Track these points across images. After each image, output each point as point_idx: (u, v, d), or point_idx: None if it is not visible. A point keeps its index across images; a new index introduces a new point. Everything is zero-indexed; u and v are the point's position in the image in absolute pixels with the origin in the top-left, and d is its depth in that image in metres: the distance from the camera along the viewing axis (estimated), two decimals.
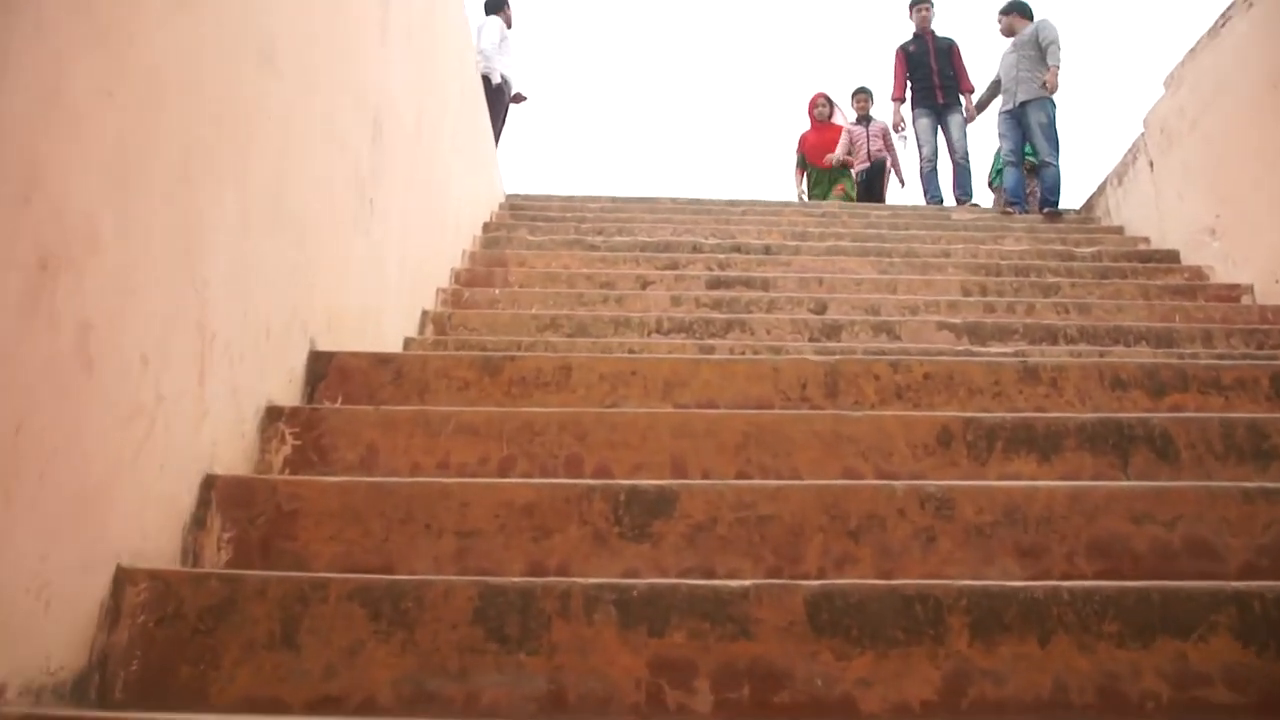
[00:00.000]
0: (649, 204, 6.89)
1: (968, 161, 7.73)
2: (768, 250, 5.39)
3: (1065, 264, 5.30)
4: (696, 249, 5.39)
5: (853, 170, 8.46)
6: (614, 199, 7.02)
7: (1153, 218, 5.94)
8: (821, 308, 4.32)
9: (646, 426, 2.08)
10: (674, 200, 7.03)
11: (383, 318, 3.25)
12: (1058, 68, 6.84)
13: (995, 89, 7.36)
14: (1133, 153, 6.25)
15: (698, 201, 7.00)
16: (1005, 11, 7.12)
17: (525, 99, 8.03)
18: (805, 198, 8.57)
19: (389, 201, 3.25)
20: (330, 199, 2.55)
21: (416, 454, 2.09)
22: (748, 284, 4.68)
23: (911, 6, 7.99)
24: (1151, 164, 5.94)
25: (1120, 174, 6.46)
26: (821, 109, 8.77)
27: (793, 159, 9.00)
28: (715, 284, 4.66)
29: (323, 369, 2.48)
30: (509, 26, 7.85)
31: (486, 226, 5.76)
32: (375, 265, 3.09)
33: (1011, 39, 7.11)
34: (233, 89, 1.90)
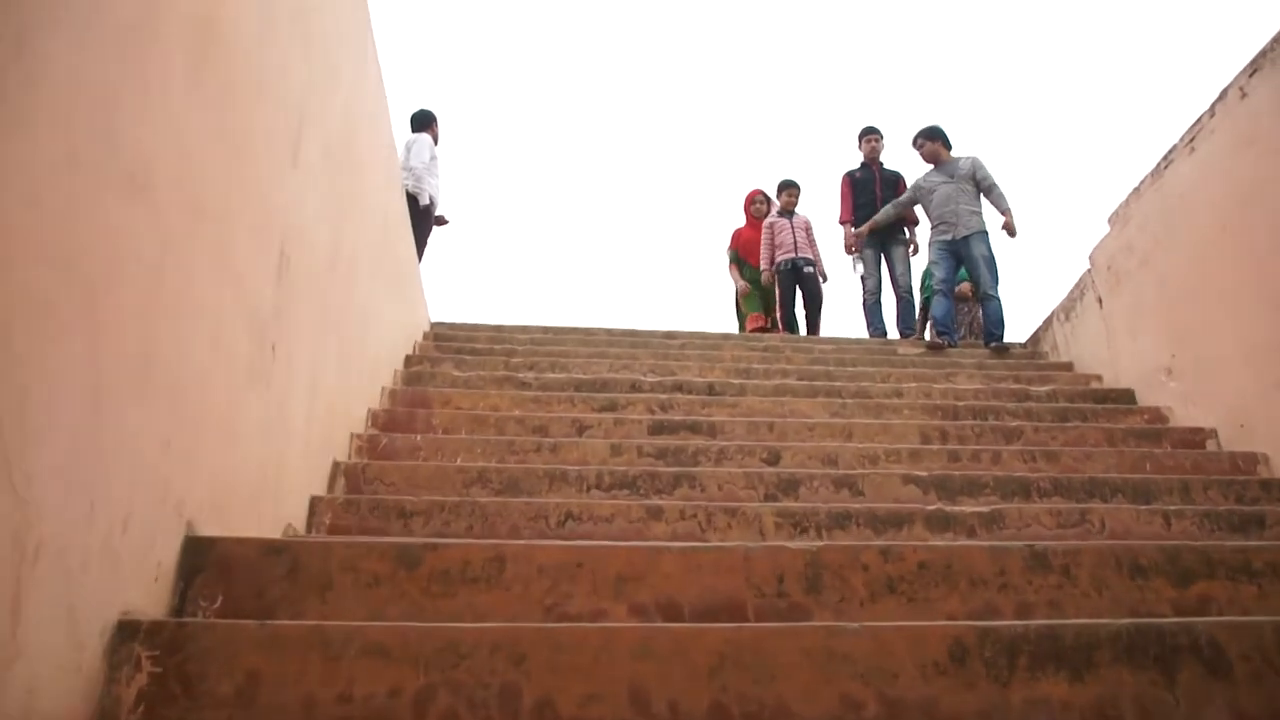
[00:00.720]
0: (583, 335, 6.59)
1: (912, 295, 7.65)
2: (711, 390, 5.09)
3: (1022, 404, 5.10)
4: (635, 388, 5.07)
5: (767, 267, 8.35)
6: (546, 329, 6.71)
7: (1104, 355, 5.83)
8: (775, 457, 4.01)
9: (600, 646, 1.69)
10: (609, 332, 6.75)
11: (285, 478, 2.82)
12: (1011, 212, 6.90)
13: (902, 207, 7.52)
14: (1079, 288, 6.19)
15: (634, 333, 6.73)
16: (928, 137, 7.21)
17: (448, 222, 7.77)
18: (740, 299, 8.60)
19: (296, 344, 2.87)
20: (219, 350, 2.17)
21: (311, 683, 1.66)
22: (693, 429, 4.35)
23: (861, 136, 8.10)
24: (1100, 300, 5.86)
25: (1067, 309, 6.38)
26: (759, 206, 8.70)
27: (724, 256, 8.88)
28: (658, 429, 4.33)
29: (201, 560, 2.04)
30: (436, 143, 7.65)
31: (410, 360, 5.38)
32: (277, 421, 2.68)
33: (935, 165, 7.22)
34: (87, 224, 1.54)
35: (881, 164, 8.13)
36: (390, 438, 3.94)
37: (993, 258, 6.81)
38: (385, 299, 4.63)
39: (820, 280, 8.29)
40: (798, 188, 8.47)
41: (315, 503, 3.14)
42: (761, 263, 8.27)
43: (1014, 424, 4.68)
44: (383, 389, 4.58)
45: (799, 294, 8.24)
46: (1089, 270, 6.03)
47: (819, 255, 8.43)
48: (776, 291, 8.32)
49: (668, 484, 3.60)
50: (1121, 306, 5.59)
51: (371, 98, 4.00)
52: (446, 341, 6.15)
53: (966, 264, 6.86)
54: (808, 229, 8.25)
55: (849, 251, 7.97)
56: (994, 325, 6.59)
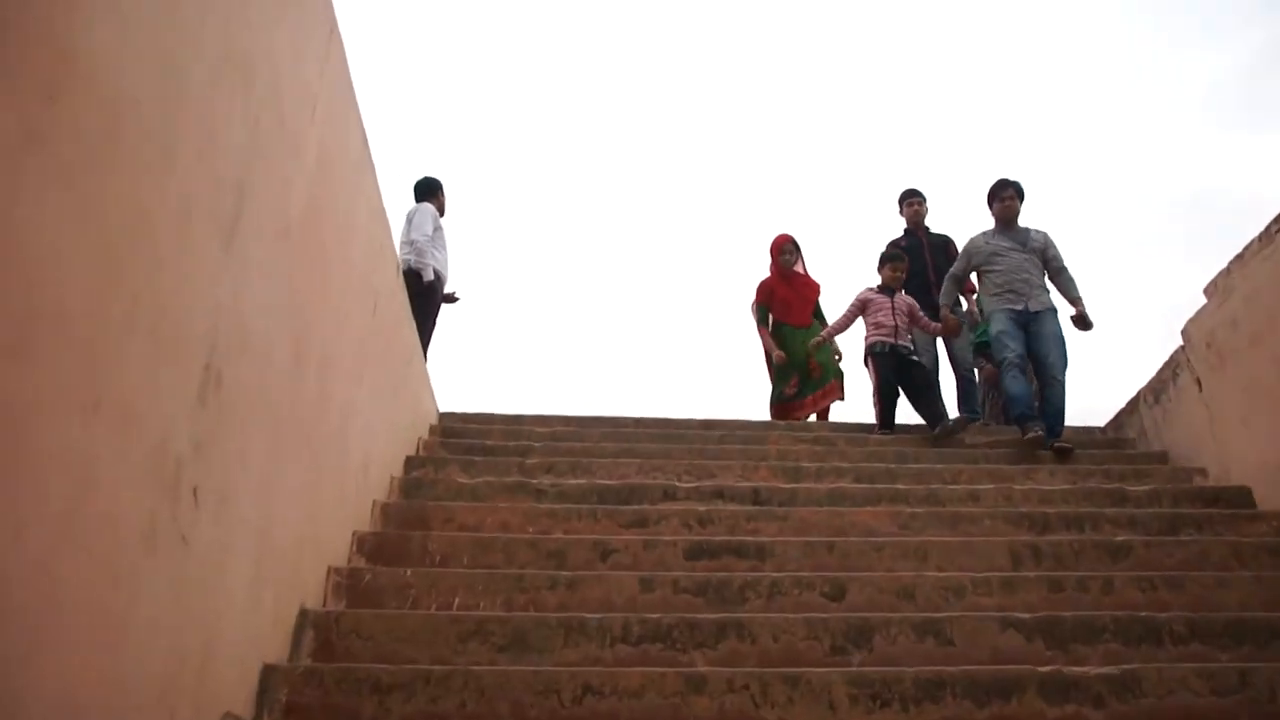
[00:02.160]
0: (610, 427, 5.98)
1: (974, 374, 6.98)
2: (757, 497, 4.45)
3: (1122, 509, 4.42)
4: (669, 495, 4.44)
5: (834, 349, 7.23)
6: (568, 420, 6.11)
7: (1207, 445, 5.13)
8: (839, 591, 3.35)
9: None
10: (638, 422, 6.13)
11: (218, 655, 2.22)
12: (1083, 302, 6.14)
13: (961, 281, 6.62)
14: (1171, 367, 5.51)
15: (667, 424, 6.12)
16: (1014, 192, 6.36)
17: (458, 299, 7.23)
18: (774, 359, 7.28)
19: (234, 479, 2.28)
20: (90, 524, 1.58)
21: None
22: (739, 552, 3.71)
23: (902, 201, 7.47)
24: (1199, 382, 5.19)
25: (1157, 390, 5.70)
26: (787, 257, 7.43)
27: (748, 313, 7.58)
28: (696, 553, 3.69)
29: None
30: (442, 214, 7.14)
31: (411, 463, 4.79)
32: (201, 585, 2.08)
33: (1005, 230, 6.33)
34: None
35: (928, 229, 7.45)
36: (375, 572, 3.33)
37: (1064, 340, 6.08)
38: (376, 398, 4.06)
39: (928, 364, 6.88)
40: (904, 260, 6.75)
41: (268, 675, 2.53)
42: (833, 327, 6.85)
43: (1119, 538, 3.99)
44: (374, 504, 3.99)
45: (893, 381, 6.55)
46: (1182, 348, 5.37)
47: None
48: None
49: (710, 634, 2.95)
50: (1228, 389, 4.91)
51: (353, 166, 3.48)
52: (455, 438, 5.56)
53: (1034, 341, 6.05)
54: (912, 313, 6.60)
55: None
56: (1056, 419, 5.78)
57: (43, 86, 1.38)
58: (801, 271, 7.48)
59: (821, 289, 7.55)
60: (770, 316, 7.39)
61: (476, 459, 4.94)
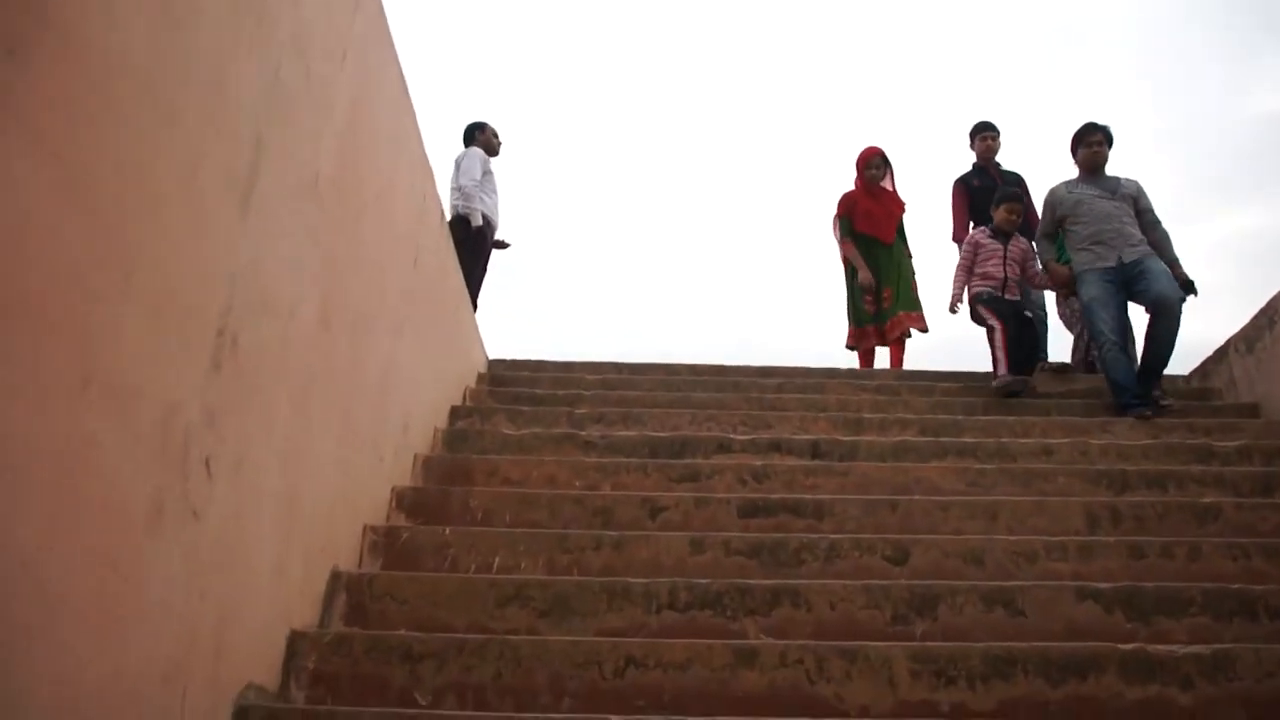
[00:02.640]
0: (663, 374, 5.83)
1: (1046, 315, 6.66)
2: (816, 450, 4.28)
3: (1209, 468, 4.16)
4: (723, 447, 4.29)
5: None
6: (620, 367, 5.97)
7: None
8: (902, 555, 3.19)
9: None
10: (693, 369, 5.97)
11: (238, 626, 2.14)
12: (1180, 263, 5.46)
13: (1051, 236, 5.83)
14: (1268, 314, 5.18)
15: (723, 371, 5.94)
16: (1102, 137, 5.65)
17: (509, 245, 7.08)
18: (856, 270, 6.71)
19: (254, 446, 2.19)
20: (84, 512, 1.48)
21: None
22: (795, 510, 3.55)
23: (974, 134, 7.00)
24: None
25: (1250, 339, 5.38)
26: (874, 171, 6.86)
27: (829, 222, 7.01)
28: (751, 511, 3.54)
29: None
30: (494, 154, 6.96)
31: (456, 413, 4.70)
32: (215, 561, 1.99)
33: (1091, 178, 5.63)
34: None
35: (999, 165, 6.91)
36: (414, 531, 3.24)
37: (1171, 277, 5.34)
38: (420, 350, 3.95)
39: (1042, 324, 6.45)
40: (1021, 202, 6.07)
41: (295, 642, 2.46)
42: (953, 286, 5.89)
43: (1206, 499, 3.75)
44: (415, 457, 3.90)
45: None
46: None
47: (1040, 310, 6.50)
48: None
49: (763, 601, 2.82)
50: None
51: (391, 114, 3.33)
52: (504, 386, 5.46)
53: (1139, 284, 5.28)
54: (1025, 263, 5.87)
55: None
56: (1160, 365, 5.24)
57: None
58: (889, 188, 6.96)
59: (907, 208, 7.03)
60: (853, 230, 6.85)
61: (524, 409, 4.84)
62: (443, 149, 7.03)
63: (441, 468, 3.94)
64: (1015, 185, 6.62)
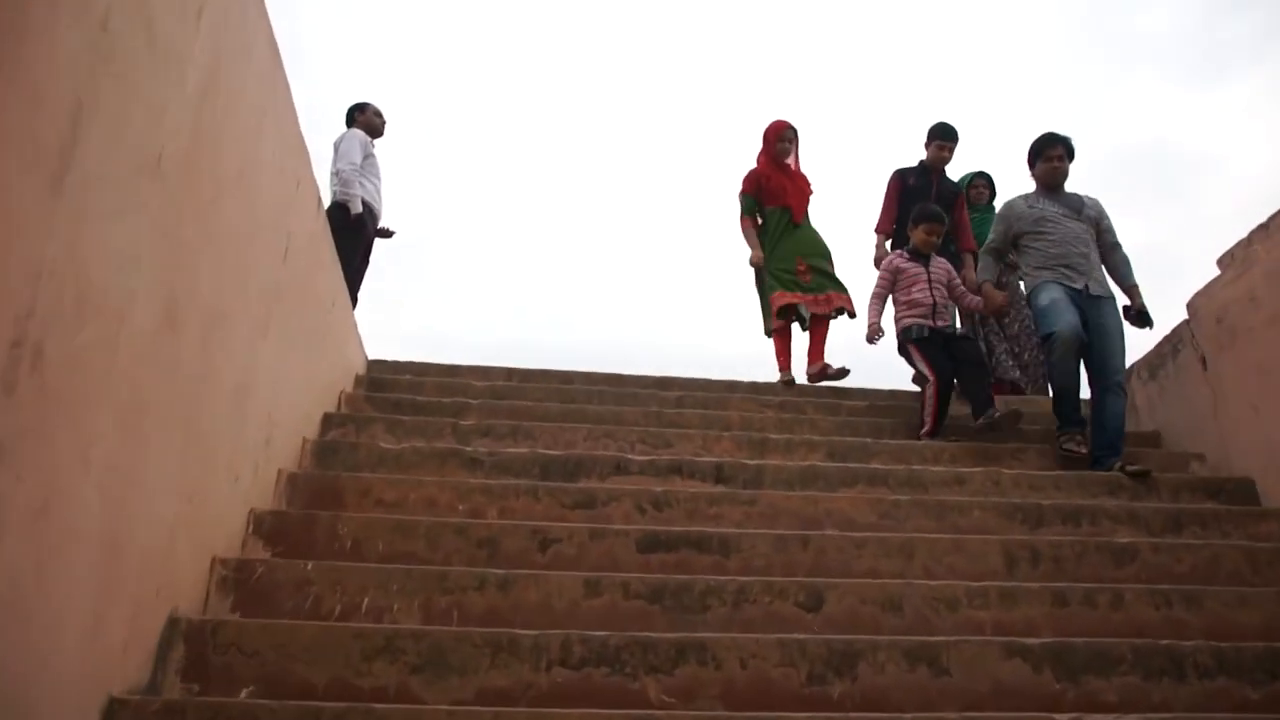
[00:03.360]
0: (557, 383, 5.52)
1: (979, 326, 6.55)
2: (720, 474, 4.04)
3: (1118, 501, 4.08)
4: (621, 468, 4.01)
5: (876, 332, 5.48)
6: (511, 373, 5.63)
7: (1208, 429, 4.81)
8: (816, 600, 2.96)
9: None
10: (588, 377, 5.67)
11: (33, 708, 1.75)
12: (1139, 290, 5.09)
13: (1000, 252, 5.42)
14: (1171, 342, 5.17)
15: (620, 380, 5.66)
16: (1063, 151, 5.20)
17: (393, 234, 6.64)
18: (759, 254, 6.21)
19: (62, 479, 1.80)
20: None
21: None
22: (700, 545, 3.30)
23: (930, 138, 6.56)
24: (1204, 360, 4.85)
25: (1153, 366, 5.37)
26: (784, 145, 6.36)
27: (735, 205, 6.45)
28: (652, 545, 3.27)
29: None
30: (377, 135, 6.52)
31: (329, 421, 4.30)
32: None
33: (1051, 195, 5.18)
34: None
35: (944, 174, 6.63)
36: (270, 565, 2.86)
37: (1124, 336, 4.96)
38: (288, 352, 3.55)
39: (980, 343, 6.13)
40: (943, 222, 5.63)
41: (114, 713, 2.07)
42: (869, 314, 5.47)
43: (1122, 539, 3.65)
44: (279, 474, 3.51)
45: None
46: (1187, 321, 5.02)
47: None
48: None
49: (667, 657, 2.55)
50: (1239, 371, 4.57)
51: (259, 85, 2.94)
52: (383, 392, 5.07)
53: (1092, 335, 4.83)
54: (950, 283, 5.52)
55: (877, 265, 6.12)
56: (1117, 435, 4.68)
57: None
58: (795, 167, 6.48)
59: (814, 192, 6.51)
60: (757, 211, 6.36)
61: (404, 418, 4.46)
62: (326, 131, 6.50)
63: (309, 487, 3.55)
64: (951, 197, 6.48)
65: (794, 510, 3.72)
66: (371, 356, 5.63)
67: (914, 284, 5.38)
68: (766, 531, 3.44)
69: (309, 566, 2.84)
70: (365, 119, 6.45)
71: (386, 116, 6.61)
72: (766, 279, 6.23)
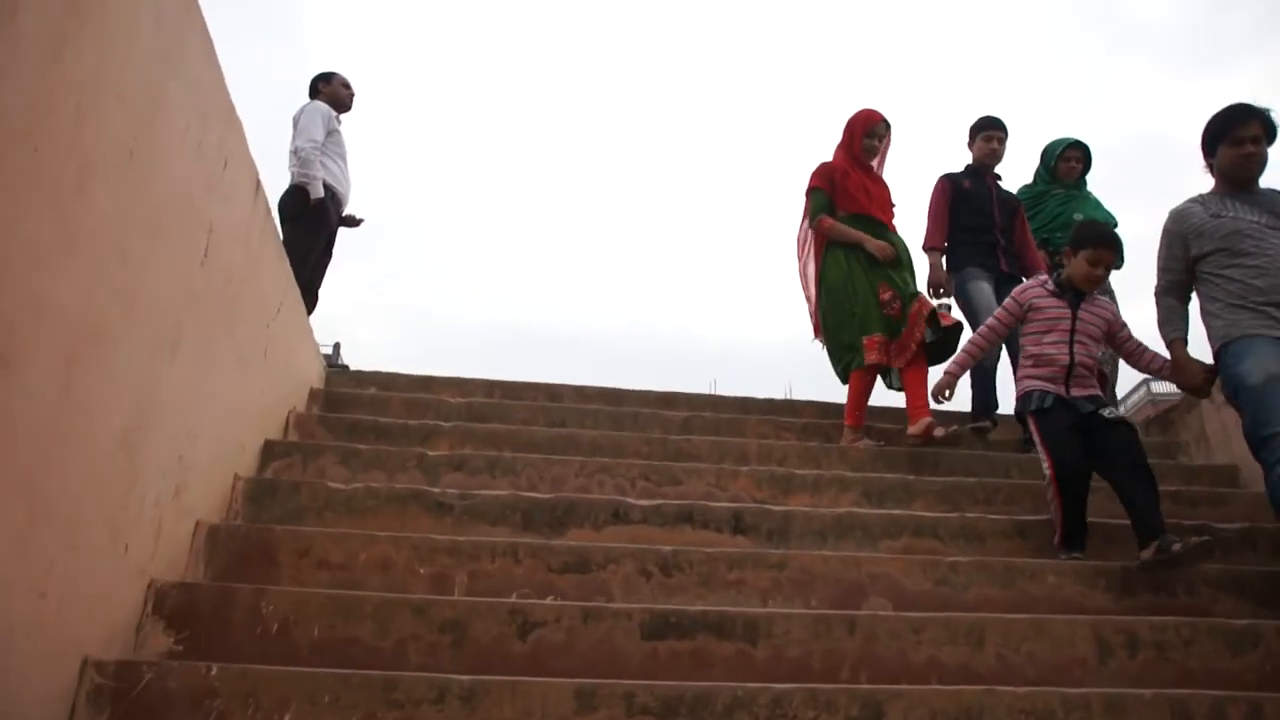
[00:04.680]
0: (543, 399, 4.88)
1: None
2: (739, 523, 3.41)
3: (1214, 565, 3.46)
4: (620, 516, 3.38)
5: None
6: (490, 387, 4.99)
7: None
8: (875, 714, 2.32)
9: None
10: (580, 392, 5.04)
11: None
12: None
13: (1183, 291, 3.72)
14: None
15: (617, 397, 5.02)
16: (1264, 129, 3.59)
17: (360, 222, 5.96)
18: (878, 242, 4.74)
19: None
20: None
21: None
22: (719, 629, 2.66)
23: (976, 131, 5.49)
24: None
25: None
26: (875, 142, 5.02)
27: (798, 202, 5.13)
28: (660, 630, 2.63)
29: None
30: (344, 109, 5.83)
31: (271, 451, 3.66)
32: None
33: (1240, 193, 3.63)
34: None
35: (999, 177, 5.49)
36: (160, 671, 2.21)
37: None
38: (209, 372, 2.91)
39: (1136, 427, 4.08)
40: (1118, 249, 4.16)
41: None
42: (955, 360, 4.10)
43: (1240, 621, 3.03)
44: (197, 527, 2.87)
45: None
46: None
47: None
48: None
49: None
50: None
51: (159, 38, 2.28)
52: (341, 411, 4.42)
53: None
54: (1115, 332, 3.93)
55: (936, 292, 5.07)
56: None
57: None
58: (879, 171, 5.16)
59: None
60: (832, 211, 4.90)
61: (362, 447, 3.81)
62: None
63: (234, 544, 2.90)
64: (1010, 207, 5.38)
65: (831, 575, 3.09)
66: (351, 341, 4.98)
67: (1050, 330, 3.80)
68: (802, 611, 2.80)
69: (213, 672, 2.19)
70: (330, 90, 5.76)
71: (356, 89, 5.92)
72: (844, 304, 4.75)
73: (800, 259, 5.20)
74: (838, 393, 4.87)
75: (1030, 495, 3.99)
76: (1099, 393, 3.81)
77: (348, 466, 3.67)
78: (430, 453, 3.79)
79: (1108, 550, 3.52)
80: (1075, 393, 3.72)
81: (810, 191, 4.98)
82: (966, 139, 5.54)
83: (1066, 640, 2.80)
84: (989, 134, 5.46)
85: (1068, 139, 5.67)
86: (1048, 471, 3.57)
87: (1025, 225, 5.40)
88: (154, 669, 2.19)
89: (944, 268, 5.15)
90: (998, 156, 5.46)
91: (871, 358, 4.57)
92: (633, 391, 5.10)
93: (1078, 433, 3.62)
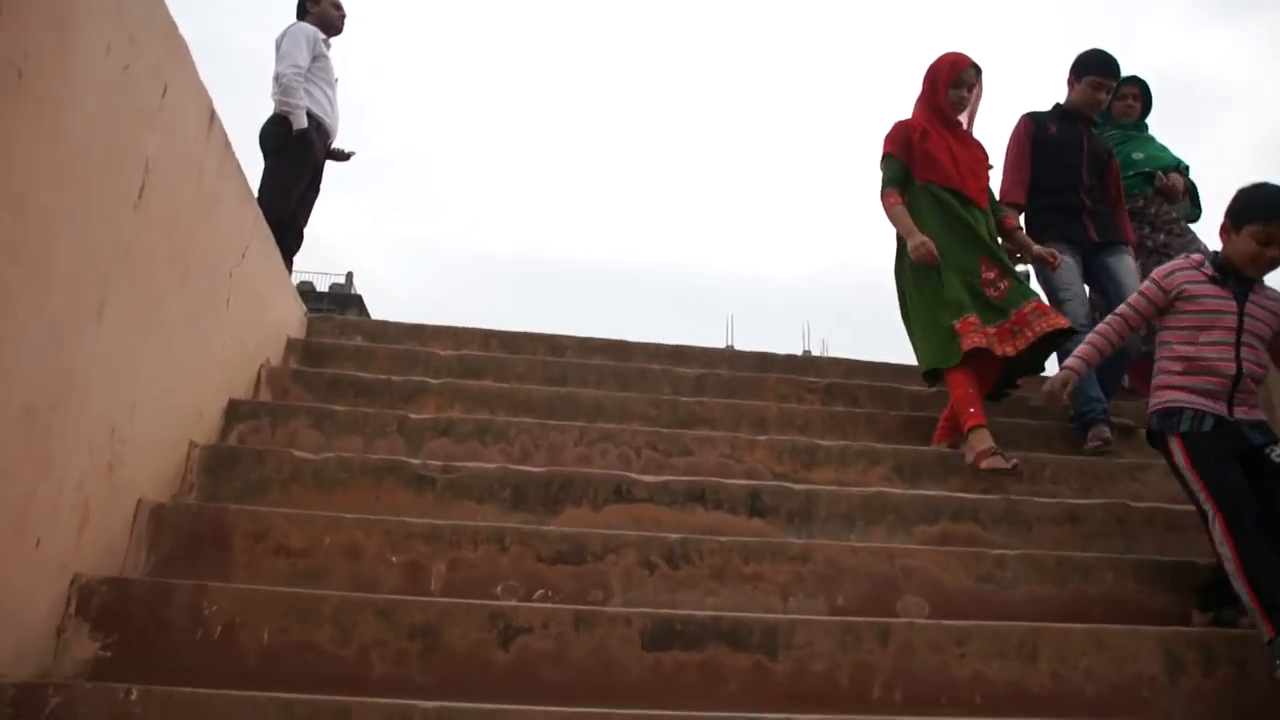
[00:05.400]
0: (543, 351, 4.54)
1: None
2: (755, 504, 3.07)
3: None
4: (622, 493, 3.04)
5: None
6: (487, 337, 4.64)
7: None
8: None
9: None
10: (583, 344, 4.69)
11: None
12: None
13: None
14: None
15: (624, 350, 4.67)
16: None
17: (349, 156, 5.54)
18: (920, 238, 3.86)
19: None
20: None
21: None
22: (733, 639, 2.33)
23: (1084, 72, 4.52)
24: None
25: None
26: (961, 92, 4.08)
27: (872, 176, 4.18)
28: (664, 639, 2.31)
29: None
30: (334, 31, 5.38)
31: (235, 412, 3.33)
32: None
33: None
34: None
35: (1094, 122, 4.63)
36: (70, 695, 1.89)
37: None
38: (148, 334, 2.56)
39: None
40: None
41: None
42: (1078, 356, 3.17)
43: None
44: (139, 506, 2.54)
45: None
46: None
47: None
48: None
49: None
50: None
51: None
52: (320, 365, 4.08)
53: None
54: None
55: (1022, 258, 4.33)
56: None
57: None
58: (968, 129, 4.21)
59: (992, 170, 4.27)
60: (908, 181, 4.04)
61: (339, 407, 3.48)
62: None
63: (182, 525, 2.58)
64: (1103, 163, 4.52)
65: (861, 568, 2.76)
66: (364, 271, 4.64)
67: (1210, 328, 2.94)
68: (828, 618, 2.48)
69: (132, 696, 1.88)
70: (319, 10, 5.31)
71: (348, 9, 5.47)
72: (925, 289, 3.92)
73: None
74: (859, 341, 4.50)
75: (1078, 473, 3.64)
76: (1265, 418, 2.93)
77: (321, 430, 3.34)
78: (414, 415, 3.45)
79: (1169, 540, 3.18)
80: (1239, 413, 2.85)
81: (882, 159, 4.10)
82: (1067, 76, 4.59)
83: (1130, 654, 2.47)
84: (1098, 81, 4.49)
85: (1121, 76, 4.83)
86: (1211, 511, 2.66)
87: (1119, 184, 4.56)
88: (62, 692, 1.87)
89: (1018, 225, 4.26)
90: (1098, 108, 4.60)
91: (972, 341, 3.64)
92: (641, 344, 4.74)
93: (1242, 466, 2.75)
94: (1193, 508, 2.83)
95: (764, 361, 4.75)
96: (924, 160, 3.99)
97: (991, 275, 3.81)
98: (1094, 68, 4.49)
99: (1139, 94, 5.08)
